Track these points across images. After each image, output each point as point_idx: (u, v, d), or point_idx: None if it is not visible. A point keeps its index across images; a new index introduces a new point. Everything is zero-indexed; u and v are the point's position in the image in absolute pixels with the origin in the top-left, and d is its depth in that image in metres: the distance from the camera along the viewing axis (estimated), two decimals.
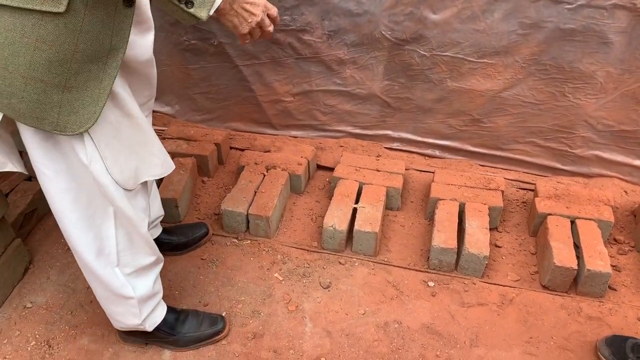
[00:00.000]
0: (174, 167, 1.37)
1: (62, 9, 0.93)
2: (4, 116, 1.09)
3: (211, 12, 1.04)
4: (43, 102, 1.02)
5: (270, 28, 1.17)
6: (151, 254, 1.41)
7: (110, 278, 1.35)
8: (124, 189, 1.22)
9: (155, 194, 1.71)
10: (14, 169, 1.23)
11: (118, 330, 1.58)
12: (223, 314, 1.66)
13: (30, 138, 1.12)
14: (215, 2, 1.04)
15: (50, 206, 1.24)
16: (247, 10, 1.10)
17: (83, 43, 0.99)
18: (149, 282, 1.43)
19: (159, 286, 1.50)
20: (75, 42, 0.98)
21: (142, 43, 1.27)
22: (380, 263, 1.86)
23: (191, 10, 1.01)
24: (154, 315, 1.51)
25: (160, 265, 1.48)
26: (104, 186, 1.18)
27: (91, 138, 1.11)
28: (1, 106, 1.04)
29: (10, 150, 1.22)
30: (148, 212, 1.38)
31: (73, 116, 1.05)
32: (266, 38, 1.21)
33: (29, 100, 1.02)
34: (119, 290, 1.37)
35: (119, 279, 1.35)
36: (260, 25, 1.14)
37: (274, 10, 1.17)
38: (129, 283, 1.37)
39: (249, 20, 1.11)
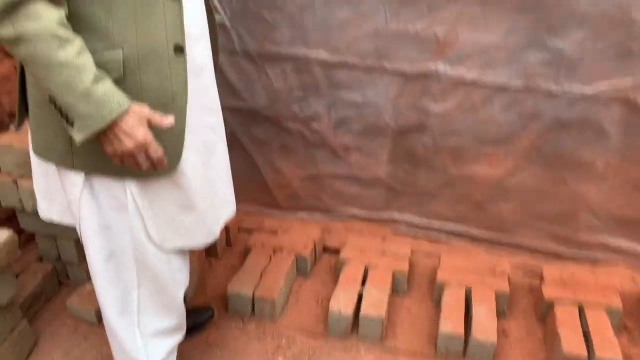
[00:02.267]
0: (217, 235, 1.41)
1: (120, 74, 1.08)
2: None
3: (85, 137, 1.03)
4: None
5: (144, 165, 1.11)
6: (175, 317, 1.42)
7: (128, 339, 1.36)
8: (159, 248, 1.29)
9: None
10: (69, 223, 1.35)
11: None
12: None
13: (90, 192, 1.20)
14: (92, 128, 1.02)
15: (87, 260, 1.31)
16: (118, 139, 1.06)
17: (147, 98, 1.11)
18: (164, 350, 1.42)
19: None
20: (141, 96, 1.10)
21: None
22: (386, 351, 1.83)
23: (70, 131, 1.04)
24: None
25: (180, 337, 1.48)
26: (139, 242, 1.25)
27: (132, 194, 1.20)
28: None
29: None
30: (185, 275, 1.40)
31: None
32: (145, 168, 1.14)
33: None
34: (133, 353, 1.37)
35: (136, 342, 1.36)
36: (131, 156, 1.08)
37: (155, 153, 1.10)
38: (144, 349, 1.37)
39: (116, 148, 1.07)
